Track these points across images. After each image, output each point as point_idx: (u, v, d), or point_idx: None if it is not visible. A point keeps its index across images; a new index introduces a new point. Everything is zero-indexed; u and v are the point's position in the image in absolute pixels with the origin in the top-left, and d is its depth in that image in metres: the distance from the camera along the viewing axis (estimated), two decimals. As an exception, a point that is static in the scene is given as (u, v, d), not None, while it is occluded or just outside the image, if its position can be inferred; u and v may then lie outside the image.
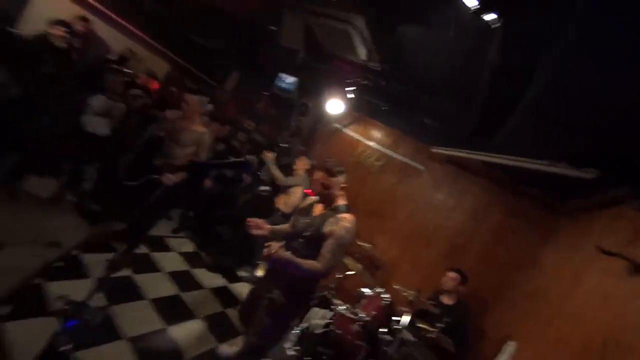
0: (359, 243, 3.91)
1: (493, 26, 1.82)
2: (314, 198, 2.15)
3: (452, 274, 3.22)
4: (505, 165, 3.12)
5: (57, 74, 2.63)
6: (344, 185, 1.99)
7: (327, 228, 1.83)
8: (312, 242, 1.86)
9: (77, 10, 4.34)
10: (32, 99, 2.16)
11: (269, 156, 3.90)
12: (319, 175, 1.95)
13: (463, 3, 1.70)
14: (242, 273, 4.18)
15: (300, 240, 1.93)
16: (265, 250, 1.74)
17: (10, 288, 2.18)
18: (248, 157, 1.67)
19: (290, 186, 3.88)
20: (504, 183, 3.84)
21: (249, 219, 2.01)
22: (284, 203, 3.90)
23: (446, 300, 3.25)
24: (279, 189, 4.02)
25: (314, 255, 1.80)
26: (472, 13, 1.72)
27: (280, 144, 4.23)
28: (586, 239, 2.46)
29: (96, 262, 2.88)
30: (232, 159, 1.81)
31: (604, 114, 1.82)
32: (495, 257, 3.72)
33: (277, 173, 3.88)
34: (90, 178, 3.73)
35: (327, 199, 1.98)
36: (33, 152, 3.10)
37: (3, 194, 3.01)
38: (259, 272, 1.86)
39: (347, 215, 1.87)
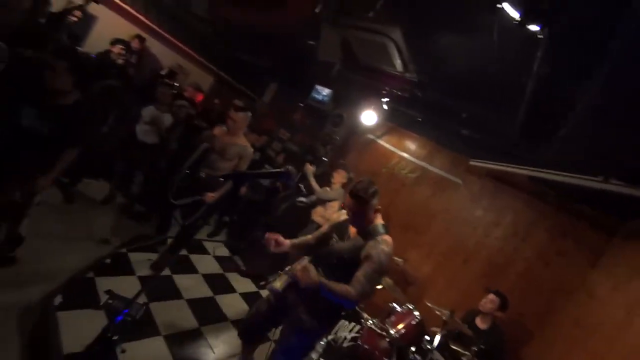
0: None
1: (538, 36, 1.73)
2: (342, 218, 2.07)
3: (492, 297, 3.00)
4: (552, 181, 2.91)
5: (116, 86, 2.92)
6: (378, 208, 1.85)
7: (365, 252, 1.72)
8: (348, 265, 1.74)
9: (134, 29, 4.82)
10: (94, 109, 2.42)
11: (310, 168, 3.99)
12: (349, 202, 1.82)
13: (505, 12, 1.64)
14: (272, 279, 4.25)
15: (335, 261, 1.82)
16: (297, 270, 1.66)
17: (65, 280, 2.41)
18: (289, 167, 1.62)
19: (328, 200, 3.93)
20: (550, 199, 3.56)
21: (267, 234, 1.96)
22: (320, 215, 3.98)
23: (480, 323, 3.05)
24: (316, 200, 4.07)
25: (346, 278, 1.69)
26: (515, 23, 1.65)
27: (319, 156, 4.27)
28: (647, 265, 2.21)
29: (140, 260, 3.11)
30: (273, 169, 1.83)
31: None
32: (540, 280, 3.42)
33: (316, 186, 3.97)
34: (138, 182, 4.05)
35: (361, 224, 1.85)
36: (90, 158, 3.43)
37: (61, 196, 3.36)
38: (278, 284, 1.85)
39: (386, 238, 1.75)
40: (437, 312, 2.80)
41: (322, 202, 4.00)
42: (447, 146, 4.51)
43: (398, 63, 3.80)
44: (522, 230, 3.71)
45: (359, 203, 1.76)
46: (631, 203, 2.32)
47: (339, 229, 2.01)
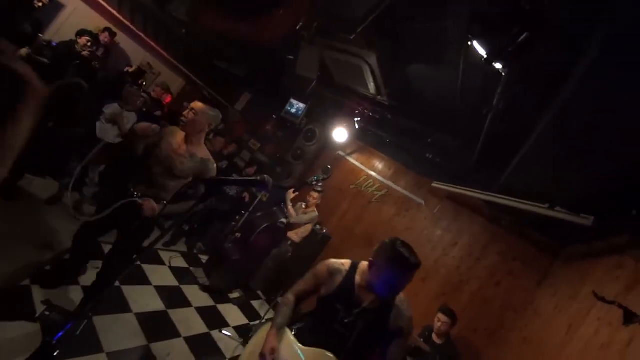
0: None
1: (502, 72, 1.92)
2: (345, 264, 1.68)
3: (444, 318, 3.11)
4: (505, 206, 3.16)
5: (78, 79, 2.72)
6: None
7: (394, 325, 1.50)
8: (373, 334, 1.51)
9: (104, 22, 4.58)
10: (52, 101, 2.23)
11: (291, 194, 4.07)
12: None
13: (474, 49, 1.82)
14: (233, 295, 4.08)
15: (362, 343, 1.50)
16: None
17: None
18: (265, 176, 1.39)
19: (302, 224, 4.10)
20: (503, 224, 3.86)
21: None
22: (295, 234, 4.10)
23: (436, 338, 3.17)
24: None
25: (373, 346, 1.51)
26: (481, 60, 1.83)
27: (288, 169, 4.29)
28: (584, 286, 2.45)
29: (85, 268, 2.82)
30: (249, 177, 1.59)
31: (605, 161, 1.89)
32: (492, 298, 3.65)
33: (292, 211, 4.05)
34: (92, 184, 3.74)
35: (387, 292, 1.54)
36: (39, 153, 3.12)
37: (3, 193, 2.99)
38: None
39: (404, 298, 1.55)
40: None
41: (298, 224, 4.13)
42: (412, 168, 4.74)
43: (372, 86, 3.99)
44: (477, 251, 3.95)
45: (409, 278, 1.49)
46: (572, 229, 2.58)
47: (346, 295, 1.59)
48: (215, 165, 2.26)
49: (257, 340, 1.59)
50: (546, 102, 2.08)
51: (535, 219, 3.08)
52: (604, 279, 2.26)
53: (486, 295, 3.70)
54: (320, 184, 4.04)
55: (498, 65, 1.85)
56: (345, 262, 1.68)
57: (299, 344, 1.55)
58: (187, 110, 2.16)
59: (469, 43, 1.83)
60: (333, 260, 1.70)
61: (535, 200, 2.76)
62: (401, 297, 1.54)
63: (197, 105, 2.19)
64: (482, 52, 1.81)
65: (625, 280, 1.98)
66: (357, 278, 1.60)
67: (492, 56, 1.82)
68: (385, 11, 2.56)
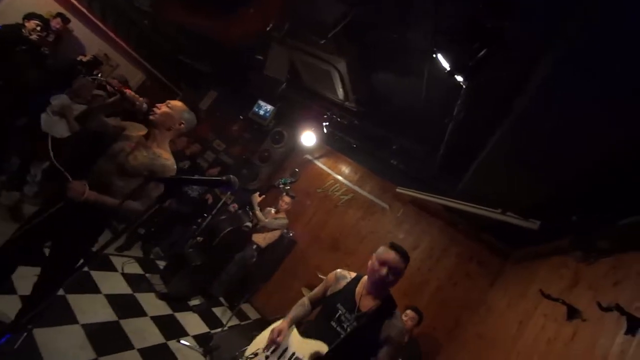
0: (320, 276, 3.85)
1: (463, 85, 2.05)
2: (351, 274, 1.85)
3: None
4: (463, 211, 3.36)
5: (24, 66, 2.44)
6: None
7: (384, 334, 1.58)
8: (365, 346, 1.58)
9: (59, 8, 4.19)
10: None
11: (257, 198, 3.96)
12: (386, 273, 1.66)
13: (438, 61, 1.92)
14: (193, 302, 3.88)
15: (354, 343, 1.58)
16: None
17: None
18: (231, 176, 1.32)
19: (273, 228, 4.02)
20: (461, 227, 4.09)
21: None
22: (262, 238, 4.00)
23: (400, 336, 3.28)
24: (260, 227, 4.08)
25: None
26: (444, 72, 1.94)
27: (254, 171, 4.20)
28: (531, 285, 2.66)
29: (26, 276, 2.53)
30: (214, 177, 1.46)
31: (552, 171, 2.07)
32: (450, 297, 3.85)
33: (261, 215, 3.95)
34: (34, 181, 3.38)
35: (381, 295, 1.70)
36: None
37: None
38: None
39: (398, 312, 1.69)
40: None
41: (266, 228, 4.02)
42: (377, 173, 4.87)
43: (340, 92, 4.05)
44: (437, 253, 4.15)
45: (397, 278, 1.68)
46: (521, 233, 2.81)
47: (346, 300, 1.73)
48: (175, 166, 2.01)
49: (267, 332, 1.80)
50: (502, 114, 2.25)
51: (489, 223, 3.31)
52: (549, 278, 2.47)
53: (445, 295, 3.89)
54: (288, 187, 4.01)
55: (459, 78, 1.97)
56: (352, 273, 1.88)
57: (299, 335, 1.74)
58: (162, 104, 1.99)
59: (434, 55, 1.93)
60: (341, 269, 1.90)
61: (489, 205, 2.96)
62: (397, 312, 1.67)
63: (175, 102, 2.04)
64: (445, 64, 1.92)
65: (568, 279, 2.18)
66: (359, 285, 1.76)
67: (454, 69, 1.94)
68: (354, 19, 2.62)
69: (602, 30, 1.18)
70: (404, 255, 1.68)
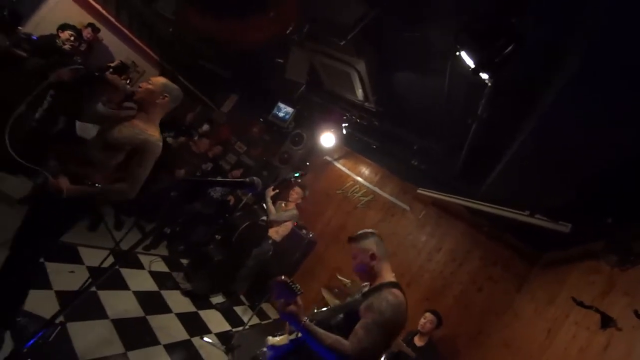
0: (339, 277, 3.85)
1: (488, 83, 1.99)
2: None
3: (430, 317, 3.19)
4: (488, 213, 3.25)
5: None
6: (371, 251, 1.67)
7: (365, 303, 1.48)
8: (350, 324, 1.47)
9: (88, 18, 4.44)
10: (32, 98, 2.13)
11: (270, 191, 4.01)
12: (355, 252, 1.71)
13: (461, 59, 1.87)
14: (215, 300, 3.98)
15: (338, 319, 1.57)
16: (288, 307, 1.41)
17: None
18: (254, 178, 1.34)
19: (282, 221, 4.02)
20: (485, 230, 3.96)
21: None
22: (275, 232, 4.01)
23: (418, 341, 3.23)
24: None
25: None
26: (468, 69, 1.89)
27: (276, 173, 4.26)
28: (561, 291, 2.54)
29: (60, 271, 2.69)
30: (238, 179, 1.46)
31: (580, 172, 1.98)
32: (473, 302, 3.73)
33: (272, 208, 3.98)
34: (69, 183, 3.58)
35: (367, 275, 1.68)
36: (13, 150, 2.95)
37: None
38: (277, 341, 1.60)
39: (394, 290, 1.53)
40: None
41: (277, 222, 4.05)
42: (397, 174, 4.81)
43: (360, 92, 4.03)
44: (460, 256, 4.04)
45: (352, 246, 1.72)
46: (549, 236, 2.68)
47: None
48: (160, 142, 1.93)
49: None
50: (528, 112, 2.16)
51: (513, 225, 3.18)
52: (580, 284, 2.35)
53: (468, 299, 3.78)
54: (300, 180, 4.01)
55: (484, 76, 1.91)
56: None
57: None
58: (144, 82, 1.98)
59: (457, 53, 1.89)
60: None
61: (514, 207, 2.85)
62: (389, 290, 1.52)
63: (155, 77, 2.03)
64: (470, 62, 1.87)
65: (601, 285, 2.07)
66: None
67: (479, 66, 1.88)
68: (374, 19, 2.61)
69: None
70: (353, 239, 1.77)
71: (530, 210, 2.75)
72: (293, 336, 1.61)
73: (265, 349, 1.68)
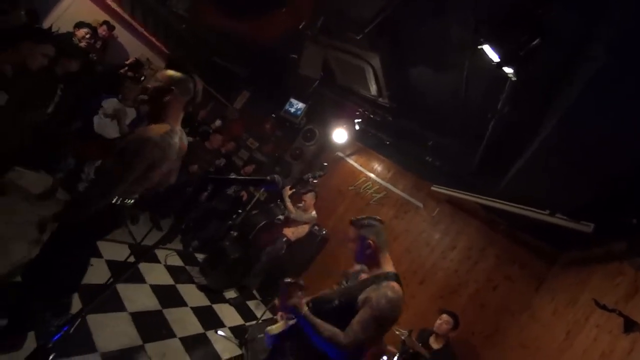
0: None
1: (512, 77, 1.92)
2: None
3: (446, 318, 3.12)
4: (504, 211, 3.17)
5: (76, 72, 2.65)
6: (371, 241, 1.64)
7: (363, 295, 1.47)
8: (345, 311, 1.49)
9: (103, 15, 4.50)
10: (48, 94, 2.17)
11: (287, 191, 4.01)
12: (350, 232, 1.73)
13: (483, 53, 1.81)
14: (228, 294, 4.03)
15: (334, 305, 1.56)
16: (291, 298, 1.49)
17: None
18: (275, 175, 1.31)
19: (302, 222, 4.04)
20: (501, 228, 3.88)
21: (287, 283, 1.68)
22: (292, 232, 4.04)
23: (434, 343, 3.15)
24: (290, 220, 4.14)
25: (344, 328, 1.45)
26: (490, 63, 1.82)
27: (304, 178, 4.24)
28: (582, 292, 2.46)
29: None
30: (258, 177, 1.45)
31: (604, 169, 1.90)
32: (489, 302, 3.66)
33: (292, 207, 3.98)
34: (87, 179, 3.66)
35: (364, 262, 1.68)
36: (33, 146, 3.03)
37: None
38: (274, 328, 1.66)
39: (393, 284, 1.50)
40: (397, 332, 2.84)
41: (296, 222, 4.07)
42: (411, 170, 4.74)
43: (373, 88, 3.98)
44: (475, 254, 3.96)
45: (351, 229, 1.73)
46: (570, 235, 2.60)
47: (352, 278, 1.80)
48: (149, 138, 1.67)
49: None
50: (551, 106, 2.08)
51: (532, 224, 3.09)
52: (603, 286, 2.27)
53: (484, 299, 3.71)
54: (315, 181, 4.00)
55: (509, 70, 1.84)
56: None
57: None
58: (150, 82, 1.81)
59: (479, 47, 1.82)
60: None
61: (532, 205, 2.77)
62: (389, 283, 1.50)
63: (162, 72, 1.84)
64: (494, 56, 1.80)
65: (625, 287, 1.99)
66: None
67: (504, 60, 1.81)
68: (391, 13, 2.55)
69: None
70: (354, 223, 1.77)
71: (551, 209, 2.67)
72: (292, 322, 1.67)
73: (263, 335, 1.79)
